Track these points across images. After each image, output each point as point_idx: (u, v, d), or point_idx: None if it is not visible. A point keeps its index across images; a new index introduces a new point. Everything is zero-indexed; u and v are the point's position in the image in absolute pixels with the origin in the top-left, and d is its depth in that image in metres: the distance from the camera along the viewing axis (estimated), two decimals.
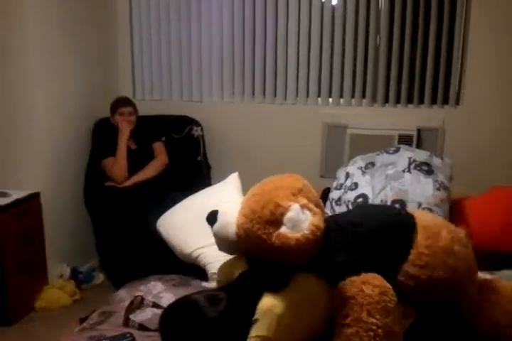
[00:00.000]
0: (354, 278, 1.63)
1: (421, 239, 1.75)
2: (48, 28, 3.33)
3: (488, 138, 3.73)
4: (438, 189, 2.63)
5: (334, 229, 1.78)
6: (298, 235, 1.58)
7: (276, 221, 1.62)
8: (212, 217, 1.86)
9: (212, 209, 1.92)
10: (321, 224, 1.63)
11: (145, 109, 3.88)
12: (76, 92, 3.67)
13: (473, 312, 1.80)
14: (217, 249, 1.93)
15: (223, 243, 1.90)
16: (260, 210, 1.65)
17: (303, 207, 1.63)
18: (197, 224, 2.04)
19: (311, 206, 1.66)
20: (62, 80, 3.51)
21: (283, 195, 1.66)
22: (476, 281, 1.85)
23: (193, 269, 2.55)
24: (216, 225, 1.86)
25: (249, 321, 1.61)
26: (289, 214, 1.60)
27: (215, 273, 2.20)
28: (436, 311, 1.78)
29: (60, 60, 3.47)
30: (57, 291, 3.33)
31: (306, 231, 1.58)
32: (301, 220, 1.60)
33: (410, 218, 1.86)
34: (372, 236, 1.77)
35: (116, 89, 4.12)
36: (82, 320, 2.09)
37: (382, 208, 2.17)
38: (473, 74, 3.74)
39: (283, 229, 1.60)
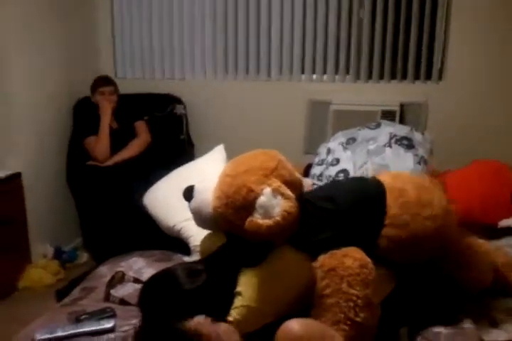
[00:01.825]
0: (335, 251, 1.64)
1: (390, 200, 1.77)
2: (26, 5, 3.27)
3: (469, 113, 3.75)
4: (418, 163, 2.64)
5: (312, 205, 1.79)
6: (269, 221, 1.58)
7: (248, 206, 1.61)
8: (188, 193, 1.86)
9: (195, 183, 1.92)
10: (293, 209, 1.62)
11: (127, 87, 3.84)
12: (56, 71, 3.62)
13: (459, 263, 1.84)
14: (195, 224, 1.94)
15: (200, 220, 1.91)
16: (233, 195, 1.65)
17: (275, 191, 1.61)
18: (179, 198, 2.03)
19: (283, 189, 1.64)
20: (42, 58, 3.46)
21: (255, 178, 1.65)
22: (457, 227, 1.88)
23: (178, 245, 2.56)
24: (192, 203, 1.86)
25: (226, 294, 1.62)
26: (261, 200, 1.59)
27: (197, 246, 2.21)
28: (417, 276, 1.81)
29: (38, 37, 3.42)
30: (40, 271, 3.32)
31: (278, 218, 1.58)
32: (272, 206, 1.59)
33: (375, 185, 1.87)
34: (346, 213, 1.78)
35: (98, 68, 4.07)
36: (59, 293, 2.09)
37: (352, 182, 2.16)
38: (455, 50, 3.74)
39: (255, 216, 1.60)
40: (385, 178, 1.91)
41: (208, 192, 1.78)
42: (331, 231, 1.73)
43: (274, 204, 1.59)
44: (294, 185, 1.73)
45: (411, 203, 1.76)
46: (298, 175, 1.83)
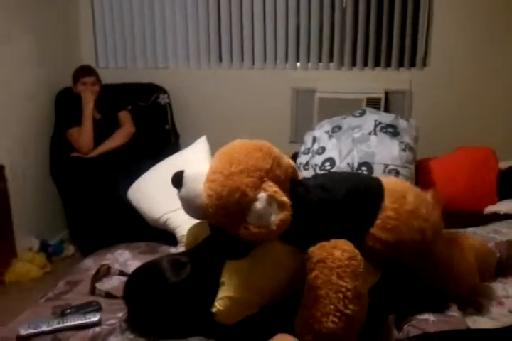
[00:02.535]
0: (324, 243, 1.63)
1: (388, 202, 1.76)
2: None
3: (454, 100, 3.76)
4: (404, 150, 2.64)
5: (303, 197, 1.76)
6: (264, 230, 1.55)
7: (242, 210, 1.57)
8: (177, 180, 1.81)
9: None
10: (289, 217, 1.58)
11: (109, 77, 3.79)
12: (36, 61, 3.56)
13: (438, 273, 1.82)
14: (184, 211, 1.91)
15: (189, 209, 1.87)
16: (226, 197, 1.59)
17: (270, 197, 1.56)
18: (165, 189, 2.00)
19: (279, 196, 1.58)
20: (20, 48, 3.39)
21: (250, 180, 1.58)
22: (443, 241, 1.88)
23: (164, 237, 2.55)
24: (183, 192, 1.81)
25: (211, 286, 1.61)
26: (256, 207, 1.54)
27: (183, 236, 2.19)
28: (401, 271, 1.81)
29: (17, 27, 3.35)
30: (26, 264, 3.29)
31: (273, 227, 1.55)
32: (267, 214, 1.54)
33: (377, 183, 1.86)
34: (340, 203, 1.76)
35: (79, 57, 4.01)
36: None
37: (349, 174, 2.15)
38: (439, 37, 3.73)
39: (249, 222, 1.55)
40: (388, 180, 1.91)
41: (198, 182, 1.72)
42: (323, 224, 1.72)
43: (269, 212, 1.55)
44: (286, 181, 1.70)
45: (406, 211, 1.75)
46: (291, 164, 1.80)
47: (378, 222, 1.73)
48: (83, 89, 3.51)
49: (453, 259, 1.84)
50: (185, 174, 1.77)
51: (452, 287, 1.82)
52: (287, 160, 1.79)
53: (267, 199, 1.54)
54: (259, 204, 1.54)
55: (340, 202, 1.76)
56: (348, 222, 1.74)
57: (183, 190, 1.78)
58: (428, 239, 1.76)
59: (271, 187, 1.58)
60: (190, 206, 1.79)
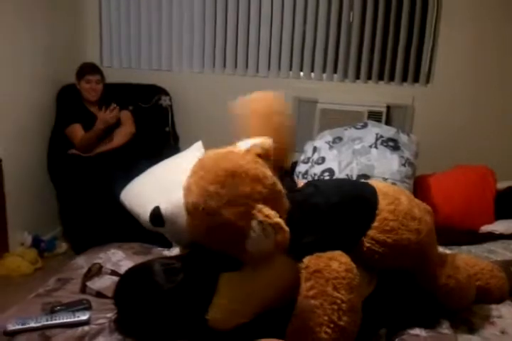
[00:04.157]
0: (321, 254, 1.62)
1: (383, 204, 1.76)
2: None
3: (456, 117, 3.75)
4: (403, 165, 2.65)
5: (297, 208, 1.73)
6: (265, 254, 1.53)
7: (239, 241, 1.52)
8: (156, 219, 1.75)
9: (172, 180, 1.84)
10: (286, 235, 1.51)
11: (112, 76, 3.78)
12: (40, 57, 3.55)
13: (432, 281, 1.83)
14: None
15: (180, 242, 1.84)
16: (220, 234, 1.55)
17: (263, 223, 1.49)
18: (158, 193, 1.99)
19: (270, 219, 1.50)
20: (25, 44, 3.39)
21: (237, 211, 1.51)
22: (437, 247, 1.90)
23: (159, 238, 2.53)
24: (167, 229, 1.75)
25: (203, 294, 1.60)
26: (252, 236, 1.49)
27: None
28: (396, 279, 1.82)
29: (23, 23, 3.35)
30: (17, 259, 3.27)
31: (273, 250, 1.52)
32: (263, 239, 1.50)
33: (368, 186, 1.86)
34: (334, 211, 1.76)
35: (84, 55, 4.00)
36: None
37: (342, 180, 2.15)
38: (444, 54, 3.74)
39: (247, 249, 1.51)
40: (377, 184, 1.92)
41: (179, 217, 1.68)
42: (318, 234, 1.70)
43: (265, 237, 1.50)
44: (274, 193, 1.62)
45: (402, 212, 1.76)
46: (268, 174, 1.66)
47: (376, 224, 1.73)
48: (87, 88, 3.50)
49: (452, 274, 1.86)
50: (163, 211, 1.72)
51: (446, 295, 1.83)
52: (261, 169, 1.63)
53: (260, 226, 1.49)
54: (253, 234, 1.49)
55: (336, 207, 1.76)
56: (346, 226, 1.74)
57: (167, 227, 1.73)
58: (423, 239, 1.77)
59: (261, 213, 1.50)
60: (180, 239, 1.76)
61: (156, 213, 1.72)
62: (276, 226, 1.49)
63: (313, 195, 1.81)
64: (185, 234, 1.68)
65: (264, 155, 1.68)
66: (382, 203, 1.77)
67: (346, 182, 2.00)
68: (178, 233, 1.70)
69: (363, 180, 2.03)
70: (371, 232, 1.72)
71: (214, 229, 1.55)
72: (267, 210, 1.52)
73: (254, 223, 1.49)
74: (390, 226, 1.72)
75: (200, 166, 1.66)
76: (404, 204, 1.79)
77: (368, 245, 1.71)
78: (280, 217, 1.52)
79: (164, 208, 1.71)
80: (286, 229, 1.51)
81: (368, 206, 1.77)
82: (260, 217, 1.49)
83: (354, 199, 1.80)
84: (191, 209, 1.59)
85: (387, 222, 1.73)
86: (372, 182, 1.96)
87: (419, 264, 1.80)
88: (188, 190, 1.63)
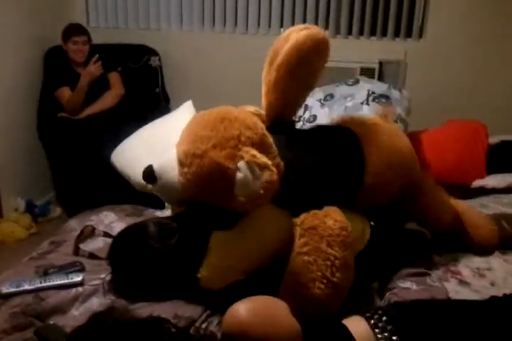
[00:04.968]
0: (317, 211, 1.62)
1: (364, 139, 1.82)
2: None
3: (448, 72, 3.72)
4: (395, 121, 2.63)
5: (290, 168, 1.71)
6: (253, 198, 1.52)
7: (228, 184, 1.52)
8: (149, 175, 1.72)
9: (163, 140, 1.84)
10: (274, 176, 1.52)
11: (99, 37, 3.71)
12: (25, 20, 3.48)
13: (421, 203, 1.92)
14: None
15: (170, 198, 1.81)
16: (208, 176, 1.54)
17: (249, 163, 1.50)
18: (150, 153, 1.97)
19: (257, 158, 1.52)
20: (9, 6, 3.31)
21: (225, 153, 1.53)
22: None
23: (151, 200, 2.53)
24: (159, 185, 1.73)
25: (197, 254, 1.60)
26: (239, 177, 1.49)
27: None
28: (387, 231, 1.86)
29: None
30: (12, 224, 3.29)
31: (261, 191, 1.50)
32: (251, 180, 1.49)
33: (347, 131, 1.88)
34: (327, 170, 1.76)
35: (69, 16, 3.90)
36: None
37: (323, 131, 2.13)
38: (436, 8, 3.68)
39: (237, 193, 1.51)
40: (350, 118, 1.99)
41: (171, 171, 1.65)
42: (315, 191, 1.71)
43: (253, 177, 1.49)
44: (264, 142, 1.63)
45: (385, 141, 1.84)
46: (258, 122, 1.69)
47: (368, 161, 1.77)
48: (73, 49, 3.44)
49: (432, 189, 1.98)
50: (155, 167, 1.70)
51: (435, 216, 1.94)
52: (253, 118, 1.68)
53: (247, 166, 1.49)
54: (240, 174, 1.49)
55: (321, 165, 1.76)
56: (341, 181, 1.75)
57: (159, 183, 1.72)
58: (414, 157, 1.88)
59: (247, 153, 1.52)
60: (172, 196, 1.74)
61: (149, 170, 1.72)
62: (263, 165, 1.50)
63: (303, 155, 1.79)
64: (176, 191, 1.67)
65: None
66: (363, 138, 1.82)
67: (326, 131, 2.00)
68: (170, 189, 1.70)
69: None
70: (369, 167, 1.78)
71: (203, 176, 1.55)
72: (254, 151, 1.53)
73: (241, 163, 1.50)
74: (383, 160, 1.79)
75: (193, 118, 1.71)
76: (383, 130, 1.87)
77: (369, 181, 1.77)
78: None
79: (156, 164, 1.72)
80: (274, 169, 1.52)
81: (354, 151, 1.80)
82: (247, 158, 1.50)
83: (341, 150, 1.82)
84: (182, 157, 1.60)
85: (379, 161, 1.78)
86: (343, 117, 2.03)
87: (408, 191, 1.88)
88: (180, 139, 1.66)
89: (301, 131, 2.22)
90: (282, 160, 1.66)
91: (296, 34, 1.77)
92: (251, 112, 1.75)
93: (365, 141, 1.81)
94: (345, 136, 1.86)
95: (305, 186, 1.71)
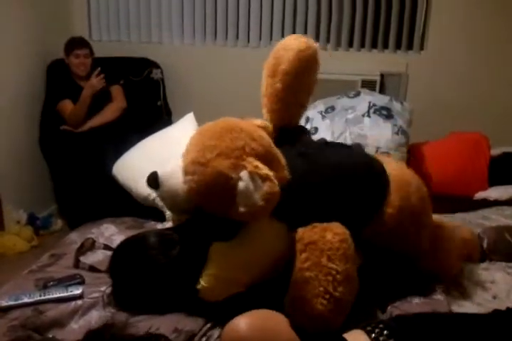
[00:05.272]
0: (316, 224, 1.62)
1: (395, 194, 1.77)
2: None
3: (450, 84, 3.73)
4: (396, 133, 2.63)
5: (299, 170, 1.71)
6: (254, 208, 1.51)
7: (230, 194, 1.52)
8: (153, 181, 1.75)
9: (164, 152, 1.85)
10: (275, 188, 1.52)
11: (102, 50, 3.72)
12: (28, 32, 3.49)
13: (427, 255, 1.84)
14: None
15: (173, 206, 1.83)
16: (211, 184, 1.55)
17: (252, 173, 1.50)
18: (151, 166, 1.97)
19: (260, 169, 1.52)
20: (12, 19, 3.33)
21: (229, 162, 1.54)
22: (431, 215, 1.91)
23: (153, 213, 2.53)
24: (162, 191, 1.75)
25: (197, 265, 1.60)
26: (241, 187, 1.50)
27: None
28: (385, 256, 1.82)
29: None
30: (13, 237, 3.27)
31: (261, 202, 1.50)
32: (253, 191, 1.49)
33: (377, 162, 1.86)
34: (341, 181, 1.74)
35: (72, 29, 3.93)
36: None
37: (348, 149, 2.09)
38: (437, 20, 3.69)
39: (238, 203, 1.51)
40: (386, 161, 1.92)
41: (176, 178, 1.67)
42: (319, 203, 1.70)
43: (254, 188, 1.49)
44: (269, 155, 1.64)
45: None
46: (268, 139, 1.71)
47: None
48: (76, 63, 3.45)
49: (439, 237, 1.89)
50: (160, 174, 1.73)
51: (441, 264, 1.86)
52: (259, 132, 1.69)
53: (249, 176, 1.50)
54: (242, 183, 1.49)
55: (336, 184, 1.73)
56: (352, 205, 1.73)
57: (162, 189, 1.73)
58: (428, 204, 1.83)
59: (251, 163, 1.53)
60: (174, 203, 1.75)
61: (153, 175, 1.76)
62: (264, 177, 1.50)
63: (308, 172, 1.78)
64: (179, 198, 1.69)
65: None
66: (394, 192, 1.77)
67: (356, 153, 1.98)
68: (172, 196, 1.71)
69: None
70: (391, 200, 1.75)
71: (206, 184, 1.55)
72: (258, 162, 1.54)
73: (243, 173, 1.50)
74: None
75: (200, 129, 1.72)
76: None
77: (389, 212, 1.74)
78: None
79: (161, 171, 1.74)
80: (275, 181, 1.51)
81: (380, 183, 1.78)
82: (249, 168, 1.51)
83: (364, 174, 1.78)
84: (186, 165, 1.61)
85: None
86: (378, 156, 1.97)
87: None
88: (186, 148, 1.67)
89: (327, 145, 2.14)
90: (292, 172, 1.66)
91: (295, 41, 1.81)
92: (257, 125, 1.76)
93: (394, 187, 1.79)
94: (376, 174, 1.84)
95: (309, 201, 1.70)
